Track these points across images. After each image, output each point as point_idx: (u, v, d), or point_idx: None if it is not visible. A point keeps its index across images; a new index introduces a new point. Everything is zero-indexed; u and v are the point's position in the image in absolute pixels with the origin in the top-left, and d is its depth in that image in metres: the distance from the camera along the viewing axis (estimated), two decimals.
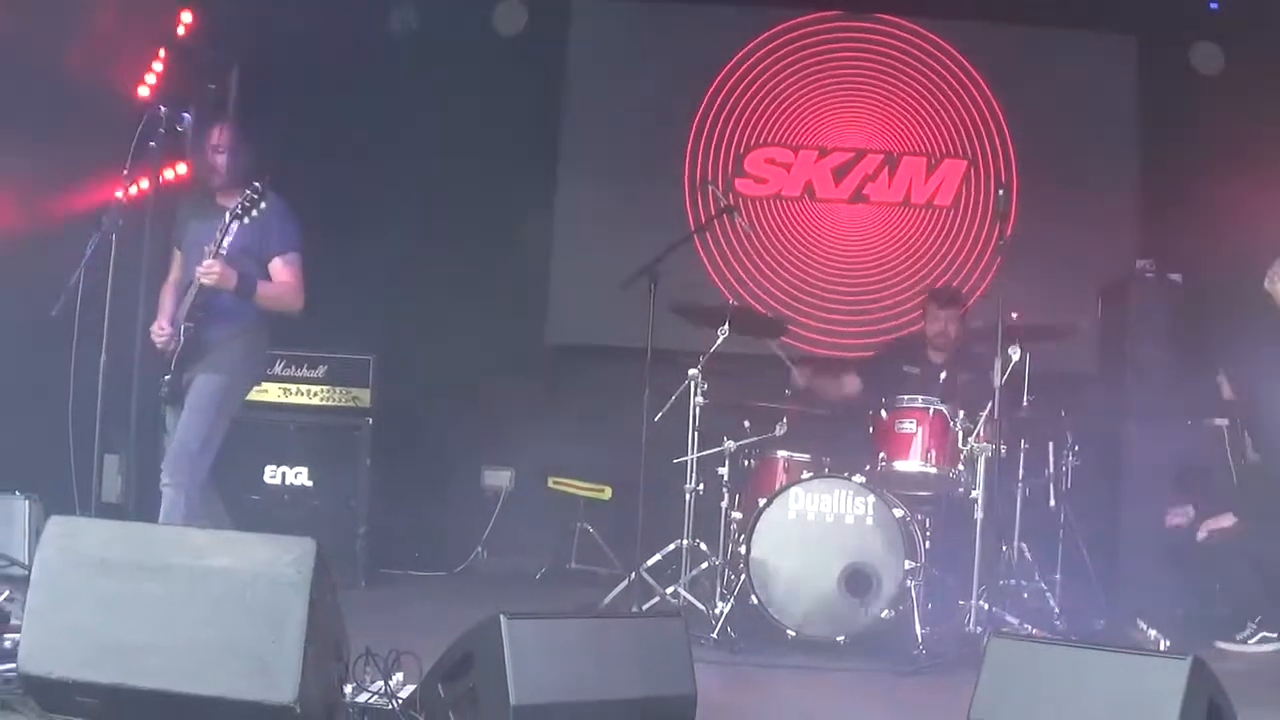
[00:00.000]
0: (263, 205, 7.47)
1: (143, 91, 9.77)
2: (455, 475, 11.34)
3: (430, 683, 5.39)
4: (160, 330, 7.75)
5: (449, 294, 9.97)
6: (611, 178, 11.66)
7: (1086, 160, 12.02)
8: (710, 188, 11.60)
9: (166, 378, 7.68)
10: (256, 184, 7.47)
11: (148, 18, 9.89)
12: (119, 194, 7.49)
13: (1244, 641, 8.89)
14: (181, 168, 9.71)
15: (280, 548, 5.08)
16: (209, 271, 7.48)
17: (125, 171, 7.41)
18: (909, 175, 12.28)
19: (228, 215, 7.50)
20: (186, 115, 7.40)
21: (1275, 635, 8.86)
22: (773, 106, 12.34)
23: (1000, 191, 11.02)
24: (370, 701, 5.57)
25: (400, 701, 5.47)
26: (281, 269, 7.90)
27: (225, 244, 7.47)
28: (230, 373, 7.80)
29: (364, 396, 10.37)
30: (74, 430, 7.46)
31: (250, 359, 8.03)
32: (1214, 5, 11.69)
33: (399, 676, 5.75)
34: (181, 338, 7.65)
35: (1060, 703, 5.15)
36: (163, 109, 7.31)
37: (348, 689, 5.62)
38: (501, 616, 5.12)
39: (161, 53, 10.00)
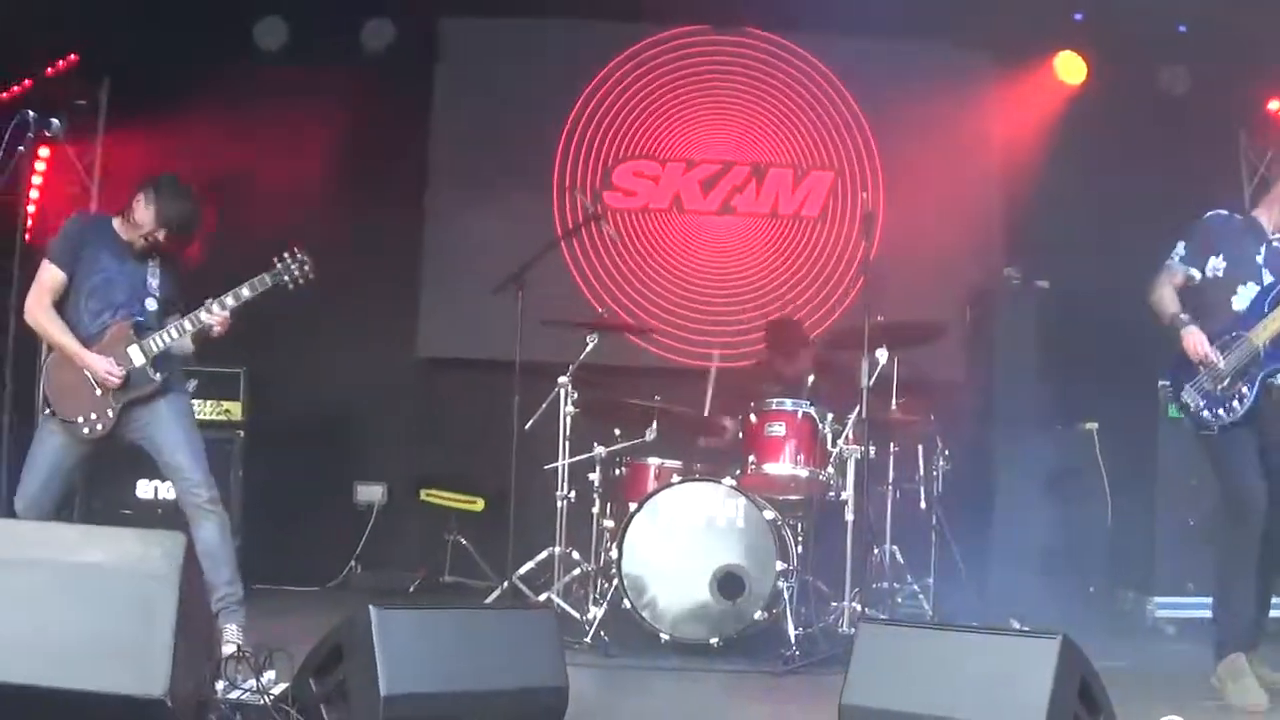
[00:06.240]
0: None
1: None
2: (328, 489, 11.25)
3: (302, 678, 5.38)
4: (113, 373, 7.17)
5: (320, 306, 9.86)
6: (481, 193, 11.59)
7: (952, 169, 12.00)
8: (579, 196, 11.54)
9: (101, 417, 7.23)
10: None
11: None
12: None
13: None
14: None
15: (150, 541, 5.06)
16: (225, 323, 7.37)
17: None
18: (776, 187, 12.33)
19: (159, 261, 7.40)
20: (55, 121, 7.17)
21: None
22: (640, 120, 12.35)
23: (864, 194, 11.07)
24: (242, 698, 5.54)
25: (272, 697, 5.43)
26: None
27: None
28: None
29: (235, 409, 10.35)
30: None
31: None
32: (1078, 16, 11.79)
33: (271, 674, 5.74)
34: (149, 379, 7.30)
35: (931, 685, 5.22)
36: (31, 114, 7.09)
37: (219, 685, 5.59)
38: (371, 607, 5.15)
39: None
